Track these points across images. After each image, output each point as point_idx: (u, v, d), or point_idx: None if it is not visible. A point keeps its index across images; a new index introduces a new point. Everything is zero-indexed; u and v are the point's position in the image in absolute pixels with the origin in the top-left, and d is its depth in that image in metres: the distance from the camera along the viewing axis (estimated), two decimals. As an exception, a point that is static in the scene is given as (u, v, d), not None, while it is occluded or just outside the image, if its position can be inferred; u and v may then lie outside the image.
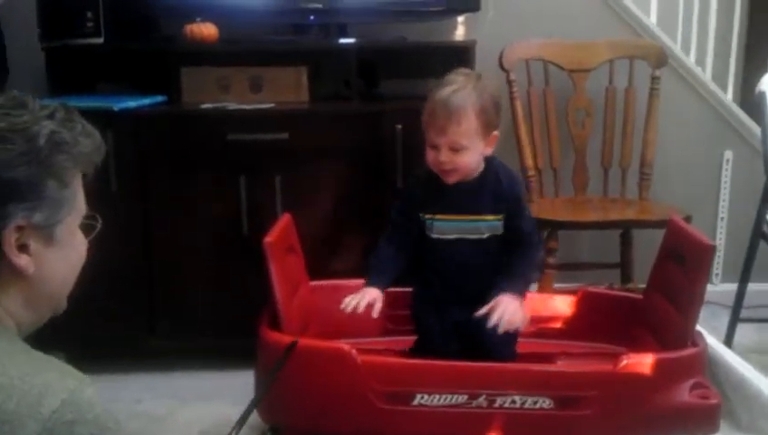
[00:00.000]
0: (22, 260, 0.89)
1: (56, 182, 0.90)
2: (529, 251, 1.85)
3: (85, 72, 2.55)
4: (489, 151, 1.80)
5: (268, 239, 1.80)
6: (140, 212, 2.29)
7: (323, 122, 2.33)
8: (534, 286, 2.50)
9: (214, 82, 2.38)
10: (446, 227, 1.82)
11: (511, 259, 1.83)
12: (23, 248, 0.89)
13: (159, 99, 2.39)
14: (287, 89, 2.39)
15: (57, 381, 0.84)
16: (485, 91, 1.78)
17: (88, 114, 2.52)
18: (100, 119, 2.27)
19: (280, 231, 1.89)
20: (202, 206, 2.31)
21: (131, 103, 2.28)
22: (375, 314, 1.75)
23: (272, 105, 2.34)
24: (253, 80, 2.39)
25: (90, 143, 0.95)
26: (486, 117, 1.75)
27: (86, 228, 0.99)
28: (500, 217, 1.82)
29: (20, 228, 0.88)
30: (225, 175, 2.29)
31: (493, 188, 1.81)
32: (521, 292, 1.77)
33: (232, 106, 2.33)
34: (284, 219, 1.99)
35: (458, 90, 1.76)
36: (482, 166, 1.82)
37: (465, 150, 1.74)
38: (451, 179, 1.78)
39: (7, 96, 0.91)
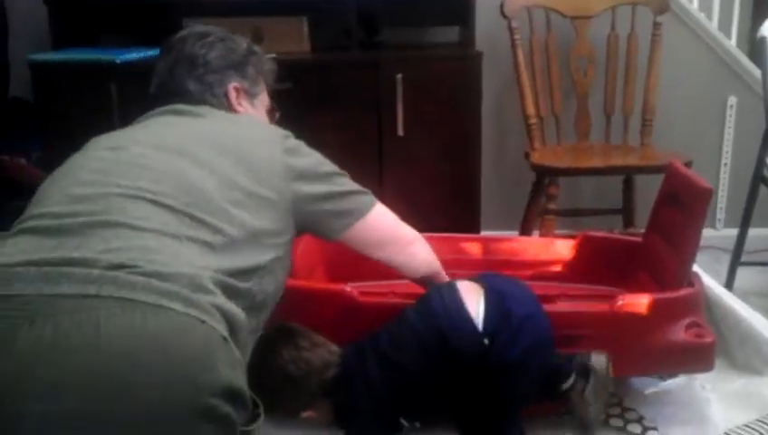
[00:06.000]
0: (241, 108, 1.47)
1: (253, 69, 1.50)
2: None
3: (88, 25, 2.56)
4: None
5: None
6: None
7: (325, 72, 2.34)
8: (536, 232, 2.54)
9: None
10: None
11: None
12: (240, 105, 1.47)
13: (162, 50, 2.40)
14: (288, 39, 2.40)
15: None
16: None
17: (90, 66, 2.54)
18: (103, 71, 2.33)
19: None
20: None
21: (134, 55, 2.29)
22: None
23: (273, 56, 2.34)
24: (254, 31, 2.39)
25: (270, 64, 1.57)
26: None
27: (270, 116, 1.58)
28: None
29: (236, 90, 1.46)
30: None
31: None
32: None
33: (234, 57, 2.33)
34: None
35: None
36: None
37: None
38: None
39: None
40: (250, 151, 1.30)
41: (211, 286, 1.08)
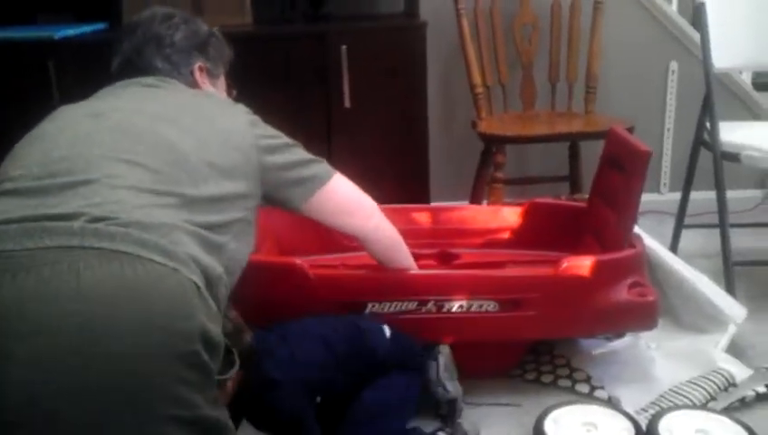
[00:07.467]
0: (205, 86, 1.57)
1: (214, 51, 1.61)
2: None
3: (25, 3, 2.49)
4: None
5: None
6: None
7: (268, 44, 2.31)
8: (485, 201, 2.56)
9: (155, 6, 2.35)
10: None
11: None
12: (204, 83, 1.57)
13: (101, 26, 2.35)
14: (230, 11, 2.37)
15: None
16: None
17: (28, 44, 2.48)
18: (41, 48, 2.27)
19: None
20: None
21: (71, 31, 2.24)
22: None
23: (215, 29, 2.31)
24: (194, 2, 2.36)
25: (227, 48, 1.67)
26: None
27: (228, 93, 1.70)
28: None
29: (201, 69, 1.56)
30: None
31: None
32: None
33: (175, 31, 2.30)
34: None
35: None
36: None
37: None
38: None
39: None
40: (221, 121, 1.39)
41: (188, 238, 1.12)
